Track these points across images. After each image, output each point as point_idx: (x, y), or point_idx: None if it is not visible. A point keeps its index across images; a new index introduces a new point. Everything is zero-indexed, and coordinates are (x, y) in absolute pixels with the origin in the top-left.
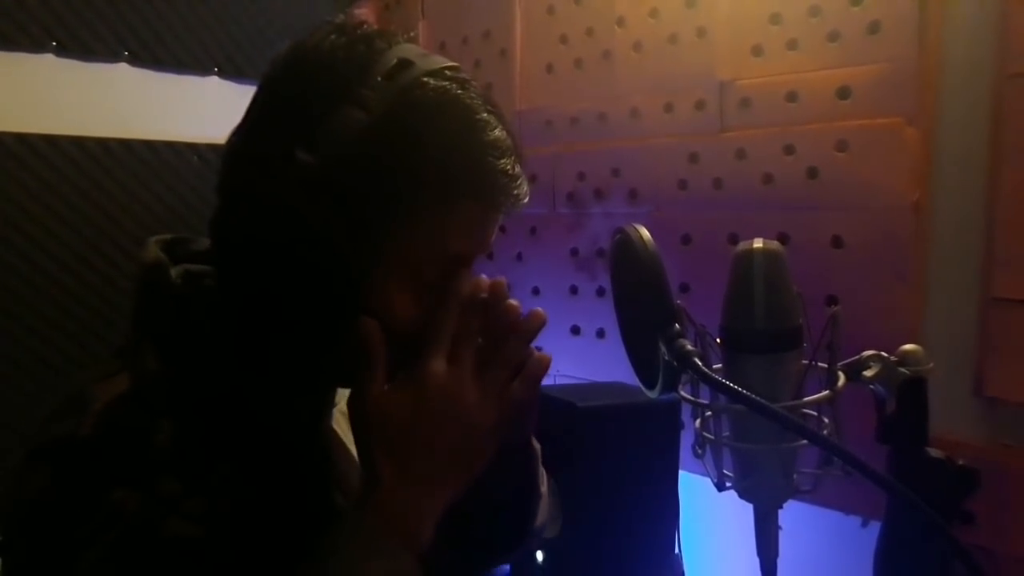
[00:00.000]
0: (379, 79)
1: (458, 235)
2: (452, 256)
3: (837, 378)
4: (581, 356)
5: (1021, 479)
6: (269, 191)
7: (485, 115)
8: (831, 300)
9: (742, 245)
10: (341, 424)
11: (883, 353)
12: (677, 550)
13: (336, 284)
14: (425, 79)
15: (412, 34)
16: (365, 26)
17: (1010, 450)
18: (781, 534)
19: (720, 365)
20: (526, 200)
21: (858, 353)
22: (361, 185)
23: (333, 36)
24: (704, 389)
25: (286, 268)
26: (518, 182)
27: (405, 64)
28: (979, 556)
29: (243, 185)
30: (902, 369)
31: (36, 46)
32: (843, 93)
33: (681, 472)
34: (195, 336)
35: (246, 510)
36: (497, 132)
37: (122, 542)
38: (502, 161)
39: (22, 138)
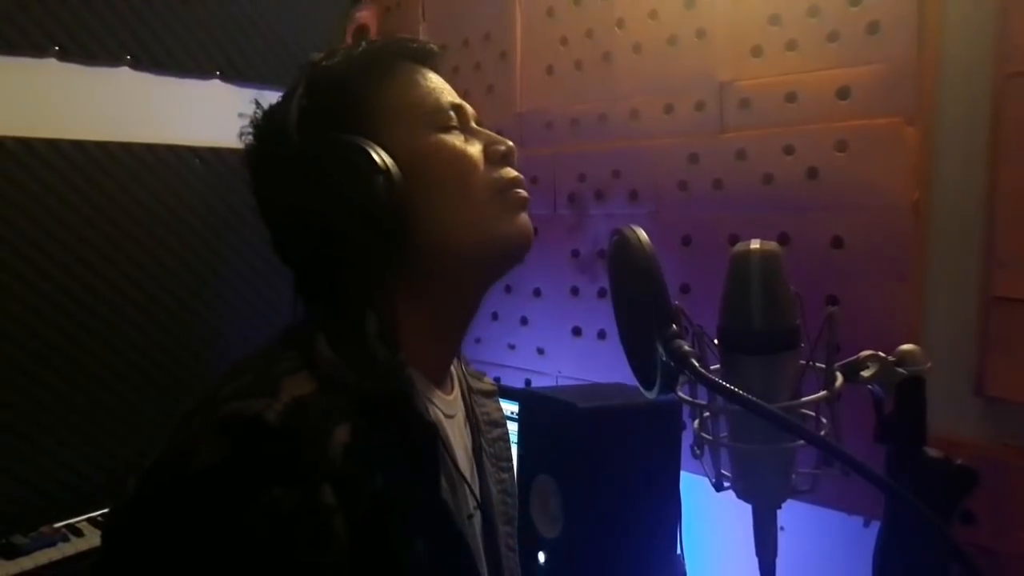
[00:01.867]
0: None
1: (411, 81)
2: (427, 90)
3: (835, 378)
4: (582, 357)
5: (1022, 478)
6: (288, 158)
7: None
8: (831, 300)
9: (739, 246)
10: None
11: (880, 353)
12: (679, 551)
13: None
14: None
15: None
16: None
17: (1011, 449)
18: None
19: (718, 366)
20: (428, 44)
21: (860, 352)
22: (334, 111)
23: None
24: (702, 390)
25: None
26: (412, 39)
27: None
28: (980, 555)
29: (272, 175)
30: (900, 369)
31: (38, 51)
32: (842, 93)
33: (683, 473)
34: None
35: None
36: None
37: (258, 541)
38: (393, 38)
39: (25, 142)
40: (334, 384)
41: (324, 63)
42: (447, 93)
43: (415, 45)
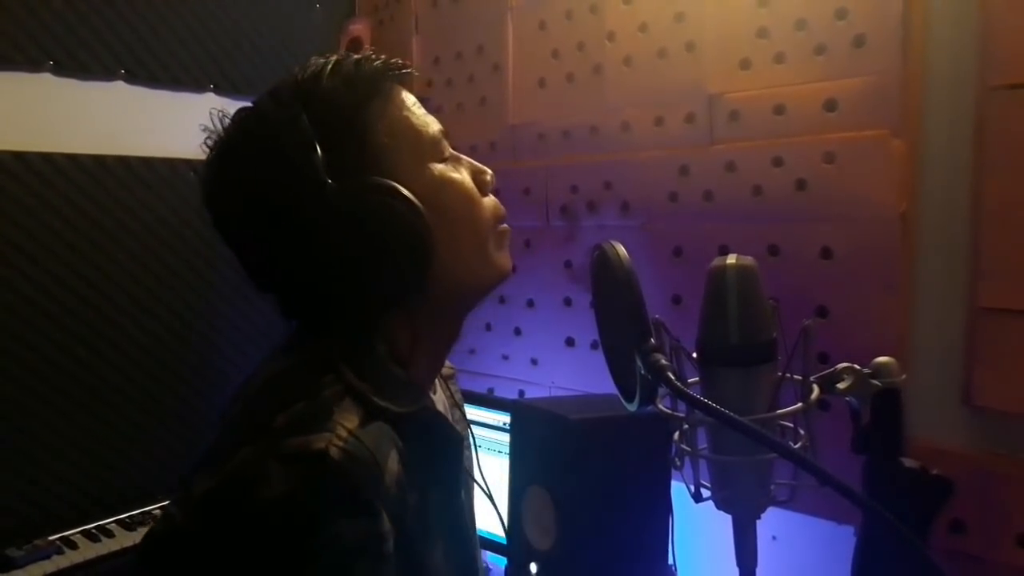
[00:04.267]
0: (272, 107)
1: (404, 106)
2: (420, 120)
3: (811, 390)
4: (576, 367)
5: (1010, 487)
6: (315, 199)
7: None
8: (821, 311)
9: (716, 261)
10: None
11: (856, 366)
12: (671, 561)
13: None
14: (287, 79)
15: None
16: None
17: (998, 458)
18: (775, 544)
19: (697, 379)
20: (400, 64)
21: (837, 365)
22: (346, 144)
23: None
24: (682, 403)
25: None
26: (381, 57)
27: (274, 89)
28: (969, 564)
29: (285, 217)
30: (875, 381)
31: (33, 65)
32: (830, 106)
33: (674, 483)
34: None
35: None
36: (353, 56)
37: (322, 569)
38: (366, 59)
39: (20, 156)
40: (374, 411)
41: (320, 86)
42: (432, 120)
43: (400, 65)
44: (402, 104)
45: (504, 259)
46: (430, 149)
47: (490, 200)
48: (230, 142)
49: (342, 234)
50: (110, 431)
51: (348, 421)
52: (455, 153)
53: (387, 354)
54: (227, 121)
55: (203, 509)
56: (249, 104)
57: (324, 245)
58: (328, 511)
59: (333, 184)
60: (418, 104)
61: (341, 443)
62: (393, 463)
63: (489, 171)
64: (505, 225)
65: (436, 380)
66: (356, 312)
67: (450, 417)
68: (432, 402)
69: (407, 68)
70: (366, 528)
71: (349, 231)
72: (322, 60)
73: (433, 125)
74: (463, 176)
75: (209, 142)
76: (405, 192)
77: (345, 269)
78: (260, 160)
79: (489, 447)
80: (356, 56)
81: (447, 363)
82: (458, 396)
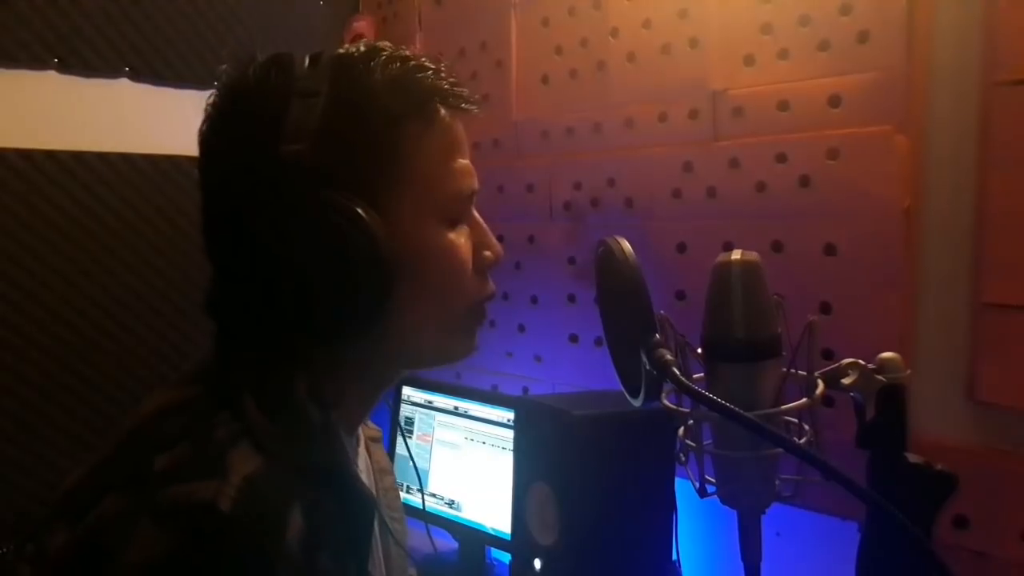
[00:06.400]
0: (306, 68)
1: (447, 146)
2: (458, 170)
3: (816, 386)
4: (579, 364)
5: (1013, 483)
6: (273, 195)
7: (400, 51)
8: (825, 307)
9: (721, 257)
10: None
11: (860, 361)
12: (675, 557)
13: (379, 249)
14: (341, 52)
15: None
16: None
17: (1002, 454)
18: (779, 540)
19: (702, 374)
20: (471, 99)
21: (841, 360)
22: (350, 152)
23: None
24: (687, 398)
25: (329, 258)
26: (453, 79)
27: (317, 54)
28: (973, 560)
29: (243, 202)
30: (879, 376)
31: (38, 63)
32: (834, 101)
33: (678, 479)
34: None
35: None
36: (420, 59)
37: None
38: (432, 72)
39: (25, 154)
40: (277, 455)
41: (358, 78)
42: (471, 175)
43: (457, 90)
44: (441, 144)
45: (469, 343)
46: (444, 204)
47: (482, 279)
48: (240, 90)
49: (290, 239)
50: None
51: (243, 467)
52: (475, 215)
53: (307, 390)
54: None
55: (59, 570)
56: (289, 52)
57: (265, 243)
58: (216, 573)
59: (303, 183)
60: (463, 149)
61: (233, 492)
62: (296, 517)
63: (497, 250)
64: (485, 309)
65: (361, 437)
66: (281, 327)
67: (372, 481)
68: (347, 455)
69: (473, 102)
70: None
71: (298, 240)
72: (378, 46)
73: (462, 182)
74: (462, 247)
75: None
76: (372, 228)
77: (283, 278)
78: (256, 114)
79: (493, 444)
80: (418, 61)
81: (372, 425)
82: (385, 462)
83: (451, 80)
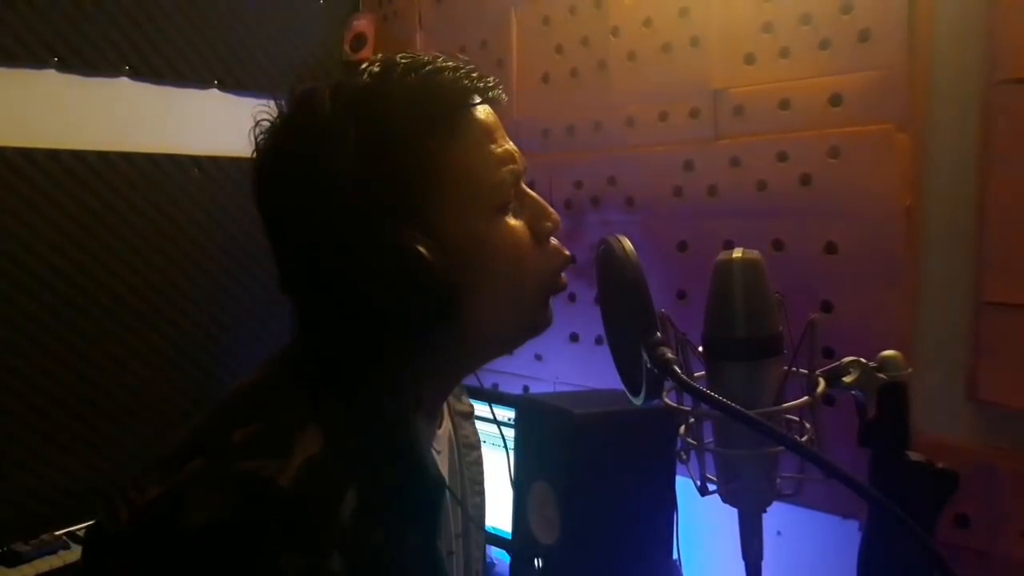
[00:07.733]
0: (328, 108)
1: (479, 139)
2: (496, 160)
3: (817, 384)
4: (579, 363)
5: (1014, 482)
6: (328, 234)
7: (416, 59)
8: (826, 305)
9: (722, 255)
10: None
11: (862, 359)
12: (675, 555)
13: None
14: (357, 83)
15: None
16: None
17: (1002, 453)
18: (780, 539)
19: (703, 372)
20: (494, 86)
21: (842, 358)
22: (389, 178)
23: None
24: (688, 396)
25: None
26: (473, 73)
27: (337, 88)
28: (973, 558)
29: (302, 241)
30: (880, 375)
31: (38, 62)
32: (835, 100)
33: (679, 478)
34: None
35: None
36: (435, 62)
37: None
38: (450, 72)
39: (25, 152)
40: (342, 440)
41: (380, 98)
42: (511, 159)
43: (485, 88)
44: (471, 142)
45: (545, 316)
46: (487, 196)
47: (549, 248)
48: (275, 137)
49: (352, 269)
50: (117, 427)
51: (307, 448)
52: (524, 190)
53: (379, 379)
54: (284, 107)
55: (145, 517)
56: (312, 87)
57: (333, 271)
58: (269, 542)
59: (356, 218)
60: (496, 137)
61: (292, 471)
62: (351, 496)
63: (553, 216)
64: (563, 278)
65: (445, 415)
66: (356, 336)
67: (455, 457)
68: (418, 440)
69: (494, 87)
70: (311, 564)
71: (359, 270)
72: (392, 62)
73: (503, 170)
74: (516, 228)
75: (266, 123)
76: (425, 254)
77: (353, 301)
78: (297, 165)
79: (494, 442)
80: (433, 65)
81: (466, 400)
82: (473, 437)
83: (471, 75)
